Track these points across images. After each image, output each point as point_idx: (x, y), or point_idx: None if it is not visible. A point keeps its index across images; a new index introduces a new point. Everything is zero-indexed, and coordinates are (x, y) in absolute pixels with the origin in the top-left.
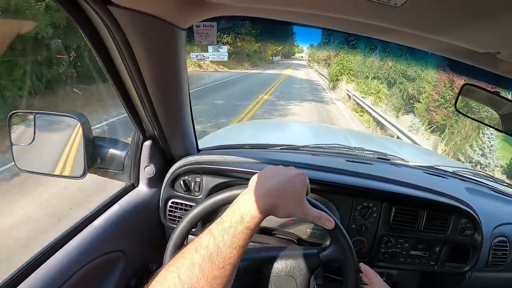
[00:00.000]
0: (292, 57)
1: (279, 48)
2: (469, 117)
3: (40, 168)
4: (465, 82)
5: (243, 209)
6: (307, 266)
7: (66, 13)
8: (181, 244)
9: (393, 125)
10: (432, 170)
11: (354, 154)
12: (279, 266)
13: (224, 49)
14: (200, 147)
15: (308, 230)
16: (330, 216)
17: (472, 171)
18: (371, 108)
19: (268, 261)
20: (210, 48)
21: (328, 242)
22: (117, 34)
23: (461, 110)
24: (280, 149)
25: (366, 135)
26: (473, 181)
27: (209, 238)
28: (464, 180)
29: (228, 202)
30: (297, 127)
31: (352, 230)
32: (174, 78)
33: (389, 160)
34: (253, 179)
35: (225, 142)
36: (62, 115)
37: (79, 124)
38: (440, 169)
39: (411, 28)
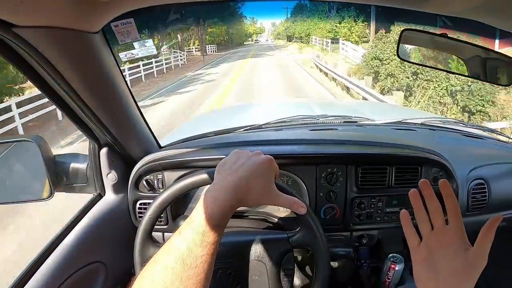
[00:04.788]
0: (247, 43)
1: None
2: (417, 64)
3: (8, 197)
4: (405, 28)
5: (210, 207)
6: (277, 251)
7: None
8: (151, 229)
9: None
10: (400, 125)
11: (317, 122)
12: (250, 251)
13: (150, 42)
14: (163, 144)
15: (280, 207)
16: (301, 201)
17: (441, 119)
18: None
19: (239, 246)
20: (136, 44)
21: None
22: (33, 53)
23: (404, 58)
24: (243, 130)
25: (331, 102)
26: (443, 129)
27: (179, 239)
28: (434, 130)
29: (194, 186)
30: (260, 106)
31: (320, 198)
32: (106, 82)
33: (356, 122)
34: (218, 170)
35: (189, 134)
36: (19, 141)
37: (37, 146)
38: (409, 123)
39: None
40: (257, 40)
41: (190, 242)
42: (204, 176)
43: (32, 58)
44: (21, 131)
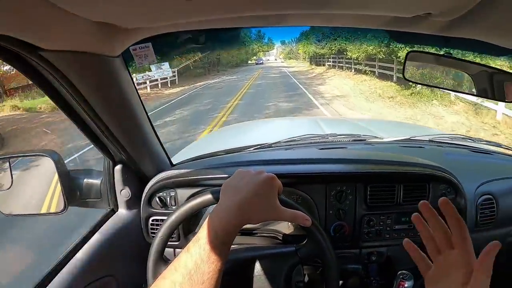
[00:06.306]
0: (251, 63)
1: None
2: (423, 84)
3: (23, 209)
4: (409, 50)
5: (216, 225)
6: (286, 264)
7: (8, 63)
8: (162, 249)
9: None
10: (408, 143)
11: (327, 141)
12: (259, 266)
13: (166, 65)
14: (175, 162)
15: (289, 224)
16: (305, 214)
17: (449, 135)
18: None
19: (248, 262)
20: (152, 67)
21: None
22: (57, 75)
23: (410, 79)
24: (254, 149)
25: (339, 120)
26: (451, 145)
27: (187, 256)
28: (441, 146)
29: (201, 206)
30: (270, 124)
31: (330, 216)
32: (124, 102)
33: (364, 140)
34: (223, 190)
35: (200, 153)
36: (35, 155)
37: (52, 161)
38: (416, 140)
39: (323, 9)
40: (260, 60)
41: (197, 259)
42: (210, 196)
43: (55, 78)
44: None
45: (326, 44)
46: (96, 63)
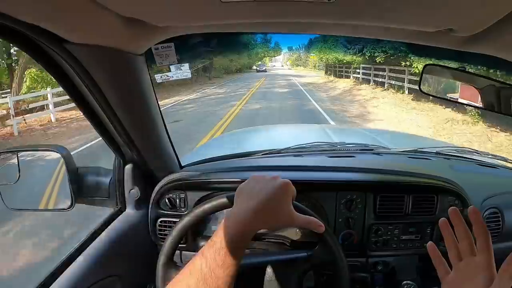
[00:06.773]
0: (255, 68)
1: None
2: (437, 97)
3: (29, 204)
4: (426, 63)
5: (232, 230)
6: (298, 270)
7: (27, 53)
8: (173, 252)
9: None
10: (415, 154)
11: (336, 149)
12: (271, 271)
13: (186, 66)
14: (183, 164)
15: (298, 231)
16: (318, 220)
17: (456, 148)
18: None
19: (260, 266)
20: (172, 67)
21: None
22: (78, 68)
23: (425, 91)
24: (262, 154)
25: (348, 129)
26: (458, 158)
27: (201, 260)
28: (448, 159)
29: (215, 210)
30: (278, 130)
31: (339, 224)
32: (141, 101)
33: (372, 150)
34: (238, 194)
35: (208, 156)
36: (44, 150)
37: (60, 156)
38: (424, 151)
39: (349, 19)
40: (263, 67)
41: (212, 264)
42: (224, 200)
43: (75, 72)
44: None
45: (364, 48)
46: (119, 59)
